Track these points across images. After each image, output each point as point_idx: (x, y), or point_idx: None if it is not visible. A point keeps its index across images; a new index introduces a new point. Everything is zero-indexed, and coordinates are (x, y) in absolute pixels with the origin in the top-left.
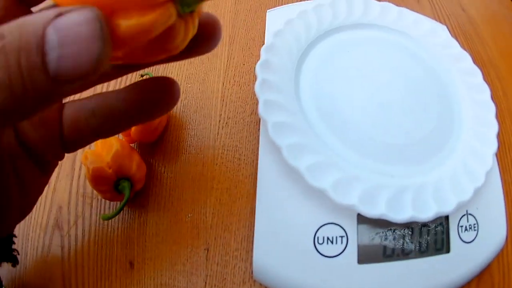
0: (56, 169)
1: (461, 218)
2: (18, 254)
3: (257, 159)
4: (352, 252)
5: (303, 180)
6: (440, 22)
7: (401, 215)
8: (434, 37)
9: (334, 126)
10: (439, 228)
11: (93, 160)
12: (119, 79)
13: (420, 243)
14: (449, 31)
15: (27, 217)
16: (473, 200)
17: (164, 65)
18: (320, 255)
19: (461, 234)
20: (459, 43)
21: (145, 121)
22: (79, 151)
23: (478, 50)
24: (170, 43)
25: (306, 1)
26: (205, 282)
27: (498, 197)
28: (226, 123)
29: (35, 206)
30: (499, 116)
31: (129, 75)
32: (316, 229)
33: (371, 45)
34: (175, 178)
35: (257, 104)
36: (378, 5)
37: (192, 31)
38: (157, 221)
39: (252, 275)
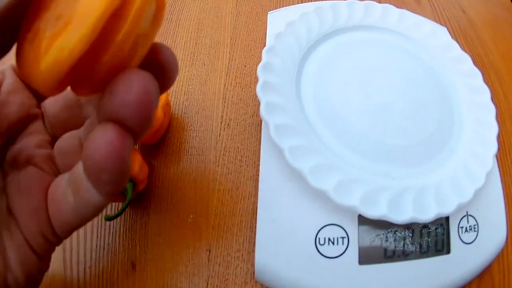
0: None
1: (461, 219)
2: None
3: (258, 161)
4: (353, 253)
5: (304, 182)
6: (441, 24)
7: (401, 216)
8: (435, 39)
9: (335, 128)
10: (439, 229)
11: None
12: None
13: (420, 244)
14: (450, 33)
15: None
16: (473, 201)
17: None
18: (322, 256)
19: (462, 235)
20: (459, 45)
21: None
22: None
23: (479, 52)
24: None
25: (307, 3)
26: (207, 283)
27: (498, 198)
28: (228, 124)
29: None
30: (499, 118)
31: None
32: (317, 230)
33: (372, 47)
34: (177, 179)
35: (258, 105)
36: (379, 7)
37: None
38: (159, 222)
39: (254, 276)
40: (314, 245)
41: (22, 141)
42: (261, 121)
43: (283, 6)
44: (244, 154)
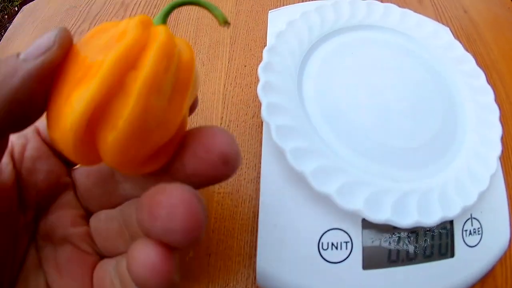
0: None
1: (465, 222)
2: None
3: (259, 163)
4: (357, 257)
5: (307, 185)
6: (443, 24)
7: (406, 220)
8: (437, 39)
9: (338, 130)
10: (443, 232)
11: None
12: None
13: (425, 248)
14: (452, 33)
15: None
16: (478, 204)
17: None
18: (325, 261)
19: (466, 238)
20: (462, 45)
21: None
22: None
23: (481, 52)
24: None
25: (308, 2)
26: None
27: (502, 201)
28: (228, 126)
29: None
30: (502, 119)
31: None
32: (320, 235)
33: (374, 46)
34: None
35: (259, 106)
36: (381, 6)
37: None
38: None
39: (255, 281)
40: (317, 250)
41: (54, 215)
42: (261, 122)
43: (283, 5)
44: (244, 156)
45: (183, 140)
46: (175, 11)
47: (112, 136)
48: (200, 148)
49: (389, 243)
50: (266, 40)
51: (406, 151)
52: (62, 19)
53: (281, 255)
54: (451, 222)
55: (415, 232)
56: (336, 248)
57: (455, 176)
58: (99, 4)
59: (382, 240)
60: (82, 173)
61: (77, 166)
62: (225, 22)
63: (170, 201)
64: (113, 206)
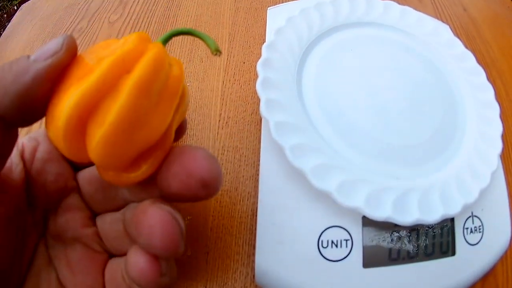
0: None
1: (466, 220)
2: None
3: (258, 160)
4: (357, 255)
5: (306, 182)
6: (442, 21)
7: (407, 218)
8: (437, 36)
9: (337, 126)
10: (444, 230)
11: None
12: None
13: (425, 246)
14: (452, 31)
15: None
16: (478, 201)
17: None
18: (325, 259)
19: (467, 236)
20: (462, 42)
21: None
22: None
23: (480, 50)
24: None
25: None
26: (205, 287)
27: (502, 198)
28: (226, 122)
29: None
30: (502, 117)
31: None
32: (320, 233)
33: (374, 43)
34: None
35: (258, 103)
36: (381, 3)
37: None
38: None
39: (254, 280)
40: (316, 248)
41: (64, 217)
42: (260, 119)
43: (282, 2)
44: (243, 153)
45: (169, 157)
46: (174, 6)
47: (100, 132)
48: (182, 172)
49: (390, 241)
50: (265, 38)
51: (407, 148)
52: (60, 16)
53: (280, 253)
54: (452, 220)
55: (415, 230)
56: (336, 246)
57: (456, 174)
58: (97, 1)
59: (382, 238)
60: (84, 178)
61: (81, 171)
62: (217, 51)
63: (150, 222)
64: (117, 208)
